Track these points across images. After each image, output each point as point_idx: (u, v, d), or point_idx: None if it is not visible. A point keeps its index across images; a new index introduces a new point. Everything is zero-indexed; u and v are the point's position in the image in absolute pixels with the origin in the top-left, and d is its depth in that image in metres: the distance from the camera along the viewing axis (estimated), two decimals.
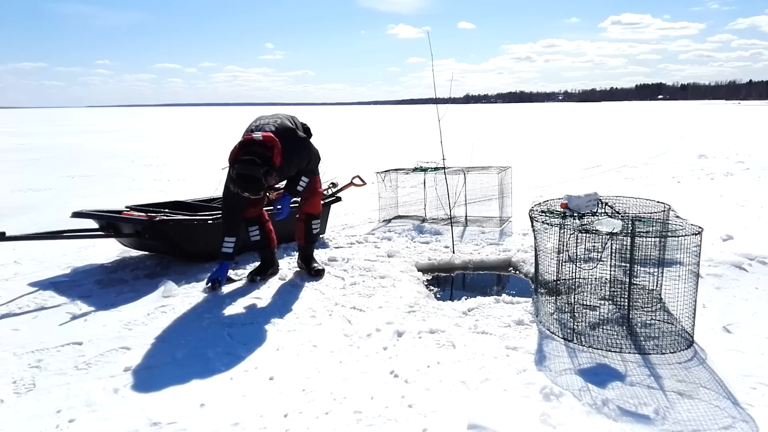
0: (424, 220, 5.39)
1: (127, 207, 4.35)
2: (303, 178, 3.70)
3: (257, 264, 3.90)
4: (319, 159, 3.85)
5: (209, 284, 3.51)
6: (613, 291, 3.17)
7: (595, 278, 3.27)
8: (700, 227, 2.70)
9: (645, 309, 3.00)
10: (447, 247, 4.45)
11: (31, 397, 2.27)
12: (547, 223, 2.89)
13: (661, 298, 3.07)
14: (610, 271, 3.11)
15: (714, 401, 2.16)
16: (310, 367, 2.49)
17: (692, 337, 2.68)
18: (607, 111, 61.60)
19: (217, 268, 3.58)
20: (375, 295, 3.38)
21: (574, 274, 3.15)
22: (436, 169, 5.58)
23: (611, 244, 2.93)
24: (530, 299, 3.24)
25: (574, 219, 2.94)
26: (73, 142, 18.41)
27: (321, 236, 4.80)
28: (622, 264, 3.03)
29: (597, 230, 2.70)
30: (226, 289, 3.53)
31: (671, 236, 2.71)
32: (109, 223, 3.94)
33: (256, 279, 3.70)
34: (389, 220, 5.51)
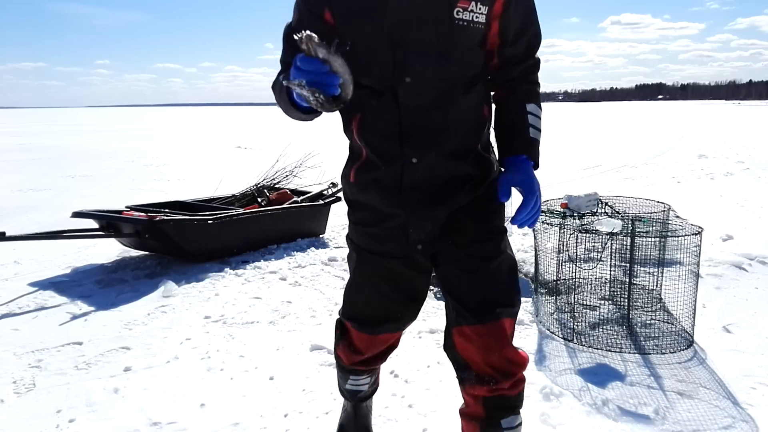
0: None
1: (127, 207, 4.35)
2: (530, 106, 1.39)
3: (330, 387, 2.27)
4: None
5: None
6: (613, 291, 3.17)
7: (595, 278, 3.26)
8: (700, 227, 2.70)
9: (645, 309, 3.00)
10: None
11: (31, 397, 2.27)
12: (547, 223, 2.89)
13: (661, 298, 3.07)
14: (610, 271, 3.11)
15: (714, 401, 2.16)
16: (310, 367, 2.49)
17: (692, 337, 2.68)
18: (607, 111, 61.60)
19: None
20: None
21: (574, 274, 3.15)
22: None
23: (611, 244, 2.93)
24: (530, 299, 3.24)
25: (574, 219, 2.94)
26: (73, 142, 18.41)
27: (321, 236, 4.80)
28: (622, 264, 3.03)
29: (597, 230, 2.70)
30: (226, 288, 3.53)
31: (671, 236, 2.71)
32: (109, 223, 3.94)
33: None
34: None
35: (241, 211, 4.40)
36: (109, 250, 4.41)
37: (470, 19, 1.25)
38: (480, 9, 1.25)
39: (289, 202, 4.71)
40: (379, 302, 1.50)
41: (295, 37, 1.04)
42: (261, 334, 2.86)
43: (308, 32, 1.02)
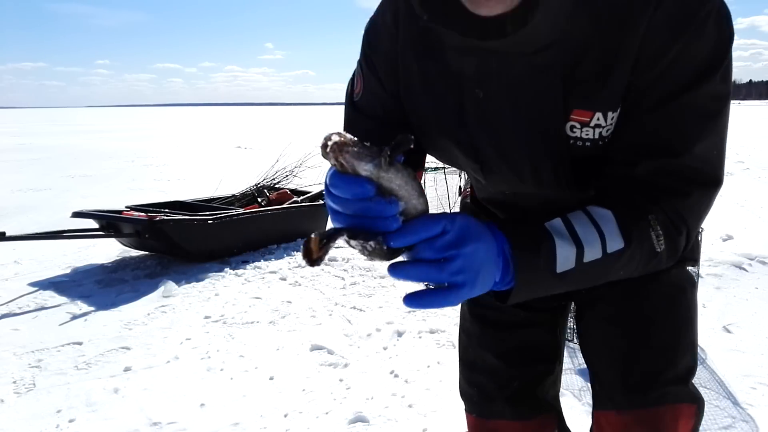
0: None
1: (127, 207, 4.35)
2: (603, 215, 0.72)
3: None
4: None
5: None
6: None
7: None
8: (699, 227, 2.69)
9: None
10: None
11: (31, 397, 2.27)
12: None
13: None
14: None
15: (714, 401, 2.16)
16: (310, 367, 2.49)
17: None
18: None
19: None
20: (375, 295, 3.38)
21: None
22: (435, 169, 5.58)
23: None
24: None
25: None
26: (73, 142, 18.41)
27: None
28: None
29: None
30: (226, 288, 3.53)
31: None
32: (109, 223, 3.94)
33: None
34: None
35: (241, 211, 4.41)
36: (109, 250, 4.41)
37: (592, 137, 0.74)
38: (609, 119, 0.72)
39: (289, 202, 4.72)
40: (483, 363, 1.04)
41: (319, 146, 0.59)
42: (261, 334, 2.86)
43: (336, 136, 0.57)
